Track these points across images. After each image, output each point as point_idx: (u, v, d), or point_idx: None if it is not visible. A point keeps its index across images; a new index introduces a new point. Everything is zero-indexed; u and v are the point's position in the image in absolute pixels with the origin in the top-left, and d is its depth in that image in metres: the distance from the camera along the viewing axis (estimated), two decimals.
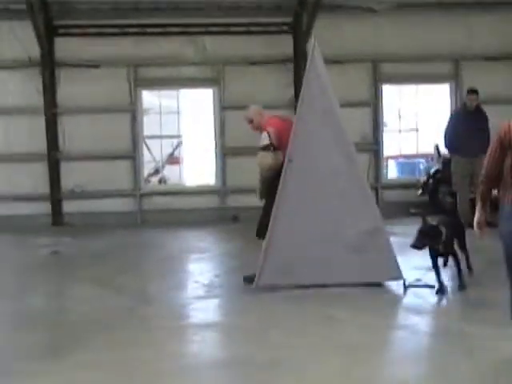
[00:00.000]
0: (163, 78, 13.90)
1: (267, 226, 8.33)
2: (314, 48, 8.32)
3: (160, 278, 9.11)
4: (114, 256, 10.71)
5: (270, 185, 8.33)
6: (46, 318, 7.26)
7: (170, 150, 15.73)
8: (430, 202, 13.66)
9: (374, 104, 14.22)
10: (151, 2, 13.45)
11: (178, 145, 15.72)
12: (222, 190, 14.06)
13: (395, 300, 7.67)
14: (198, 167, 15.95)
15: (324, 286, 7.96)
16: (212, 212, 13.92)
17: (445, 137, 12.54)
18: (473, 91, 12.26)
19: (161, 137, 14.43)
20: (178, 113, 14.32)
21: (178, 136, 14.64)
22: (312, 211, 8.07)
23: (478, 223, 5.66)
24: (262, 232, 8.44)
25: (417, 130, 15.05)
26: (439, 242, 7.78)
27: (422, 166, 15.37)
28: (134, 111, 13.87)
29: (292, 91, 13.99)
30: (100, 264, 10.03)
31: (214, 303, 7.86)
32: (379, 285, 7.99)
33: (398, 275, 8.01)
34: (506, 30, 14.11)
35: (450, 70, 14.30)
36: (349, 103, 13.56)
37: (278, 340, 6.34)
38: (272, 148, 8.28)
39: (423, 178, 13.81)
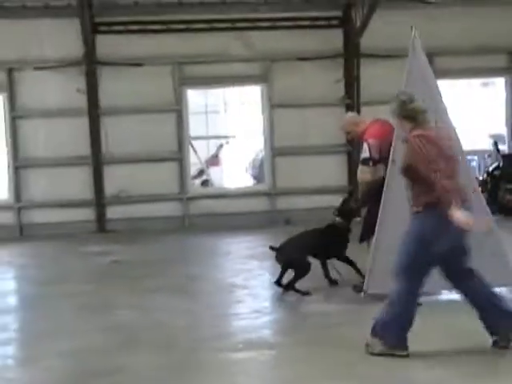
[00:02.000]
0: (209, 76, 13.31)
1: (369, 230, 7.85)
2: (415, 40, 7.76)
3: (238, 286, 8.56)
4: (174, 263, 10.17)
5: (371, 193, 7.84)
6: (153, 335, 6.66)
7: (214, 151, 15.12)
8: (489, 201, 13.16)
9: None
10: None
11: (222, 146, 15.11)
12: (273, 191, 13.48)
13: None
14: (240, 168, 15.34)
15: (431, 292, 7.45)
16: (262, 215, 13.32)
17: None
18: None
19: (207, 137, 13.80)
20: (225, 112, 13.72)
21: (225, 136, 13.99)
22: None
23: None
24: (364, 237, 7.98)
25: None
26: None
27: (474, 163, 14.86)
28: (179, 111, 13.27)
29: (343, 88, 13.48)
30: (164, 271, 9.50)
31: (337, 313, 7.28)
32: None
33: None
34: None
35: (506, 64, 13.78)
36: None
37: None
38: (371, 162, 7.74)
39: (481, 176, 13.31)
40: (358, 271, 8.04)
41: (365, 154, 7.79)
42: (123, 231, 12.87)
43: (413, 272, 5.86)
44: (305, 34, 13.32)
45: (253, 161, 16.29)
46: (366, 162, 7.77)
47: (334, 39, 13.41)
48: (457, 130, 7.82)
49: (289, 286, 8.03)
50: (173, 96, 13.21)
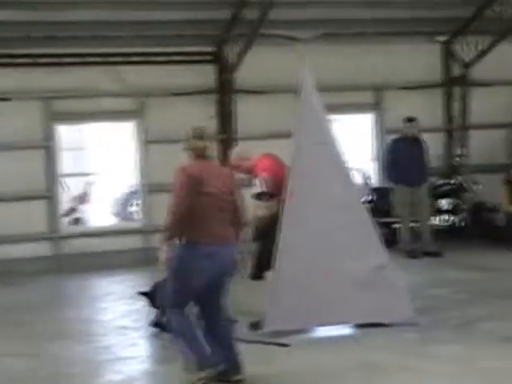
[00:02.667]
0: (80, 112, 12.92)
1: (261, 267, 7.80)
2: (306, 75, 7.83)
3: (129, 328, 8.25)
4: (54, 306, 9.75)
5: (264, 228, 7.78)
6: None
7: (84, 188, 14.64)
8: None
9: None
10: (67, 30, 12.46)
11: (91, 183, 14.66)
12: (148, 228, 13.17)
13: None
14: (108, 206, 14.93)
15: (333, 326, 7.50)
16: (138, 253, 12.96)
17: (385, 167, 12.38)
18: (410, 119, 12.17)
19: (79, 174, 13.36)
20: (96, 148, 13.36)
21: (96, 173, 13.57)
22: (317, 247, 7.57)
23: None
24: (256, 275, 7.90)
25: None
26: None
27: None
28: (48, 147, 12.79)
29: (215, 123, 13.44)
30: (45, 315, 9.08)
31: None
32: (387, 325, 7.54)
33: (410, 315, 7.59)
34: (426, 59, 14.20)
35: (373, 100, 14.18)
36: (274, 134, 13.24)
37: None
38: (267, 196, 7.70)
39: None
40: None
41: (259, 188, 7.74)
42: None
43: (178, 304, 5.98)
44: (179, 69, 13.20)
45: (117, 198, 15.99)
46: (260, 196, 7.72)
47: (208, 75, 13.36)
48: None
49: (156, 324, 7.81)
50: (41, 132, 12.73)
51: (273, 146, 12.23)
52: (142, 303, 9.34)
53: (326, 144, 7.72)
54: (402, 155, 11.84)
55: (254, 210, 7.75)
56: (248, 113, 13.19)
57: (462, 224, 13.35)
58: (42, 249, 12.69)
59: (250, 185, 7.91)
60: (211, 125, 13.31)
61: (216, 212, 5.94)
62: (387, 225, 13.06)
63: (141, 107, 13.13)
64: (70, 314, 9.18)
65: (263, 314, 7.56)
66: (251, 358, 6.64)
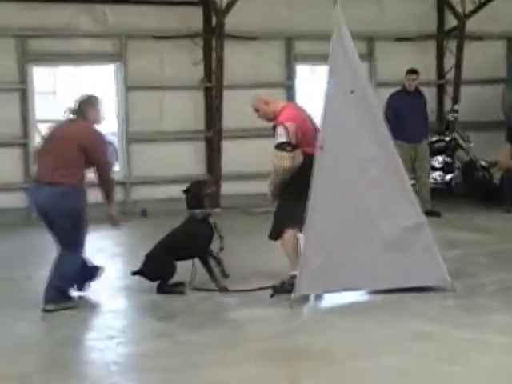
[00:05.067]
0: (57, 53, 11.95)
1: (282, 227, 7.17)
2: (339, 18, 7.13)
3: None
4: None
5: (285, 184, 7.13)
6: None
7: None
8: None
9: (288, 85, 13.15)
10: None
11: None
12: (128, 180, 12.39)
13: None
14: None
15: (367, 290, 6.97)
16: (118, 206, 12.09)
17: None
18: (413, 71, 11.58)
19: (53, 121, 12.34)
20: (71, 93, 12.43)
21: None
22: (348, 205, 6.94)
23: None
24: (276, 234, 7.28)
25: None
26: None
27: None
28: (23, 90, 11.83)
29: (202, 70, 12.65)
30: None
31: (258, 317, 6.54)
32: (424, 289, 7.03)
33: (444, 277, 7.08)
34: (418, 9, 13.60)
35: (365, 50, 13.51)
36: (262, 83, 12.55)
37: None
38: (290, 147, 7.03)
39: None
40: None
41: (281, 138, 7.07)
42: None
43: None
44: (163, 10, 12.34)
45: None
46: (282, 146, 7.05)
47: (194, 17, 12.52)
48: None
49: (160, 289, 7.32)
50: (16, 73, 11.76)
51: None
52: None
53: (359, 92, 7.06)
54: (402, 109, 11.25)
55: (275, 160, 7.10)
56: (234, 60, 12.41)
57: (453, 182, 12.94)
58: (16, 200, 11.83)
59: (272, 134, 7.24)
60: (196, 71, 12.63)
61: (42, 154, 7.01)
62: None
63: (121, 50, 12.26)
64: None
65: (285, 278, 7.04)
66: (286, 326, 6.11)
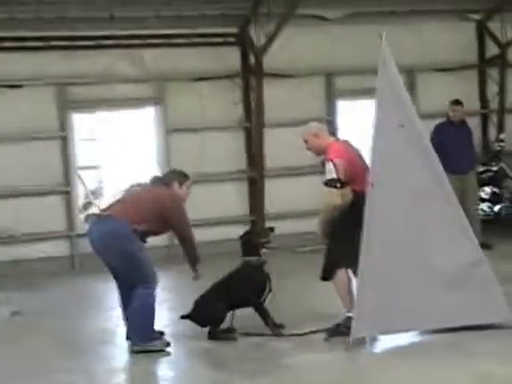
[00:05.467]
0: (96, 99, 11.93)
1: (333, 267, 6.96)
2: (386, 51, 6.97)
3: None
4: (88, 310, 8.85)
5: (335, 223, 6.93)
6: None
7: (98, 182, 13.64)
8: None
9: (329, 121, 12.98)
10: (81, 10, 11.48)
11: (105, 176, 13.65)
12: None
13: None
14: None
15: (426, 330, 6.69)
16: (163, 250, 12.04)
17: None
18: (457, 102, 11.36)
19: (96, 167, 12.37)
20: (114, 138, 12.40)
21: (112, 165, 12.55)
22: (402, 243, 6.70)
23: None
24: (328, 274, 7.06)
25: None
26: None
27: None
28: (64, 138, 11.83)
29: (241, 109, 12.56)
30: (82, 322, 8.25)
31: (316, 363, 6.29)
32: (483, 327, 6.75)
33: (506, 314, 6.80)
34: (459, 38, 13.41)
35: (405, 82, 13.32)
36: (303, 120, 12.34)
37: None
38: (340, 184, 6.85)
39: None
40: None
41: (330, 174, 6.89)
42: (8, 275, 11.15)
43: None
44: (200, 52, 12.29)
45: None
46: (332, 183, 6.87)
47: (231, 58, 12.46)
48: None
49: (211, 335, 7.14)
50: (57, 121, 11.76)
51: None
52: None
53: (408, 126, 6.86)
54: (448, 141, 11.00)
55: (324, 197, 6.94)
56: (274, 98, 12.29)
57: (503, 213, 12.61)
58: (60, 247, 11.76)
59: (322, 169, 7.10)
60: (235, 111, 12.54)
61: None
62: None
63: (160, 93, 12.23)
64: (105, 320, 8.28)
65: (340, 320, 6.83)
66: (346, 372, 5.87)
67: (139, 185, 7.46)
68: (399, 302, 6.58)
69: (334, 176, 6.85)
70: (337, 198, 6.85)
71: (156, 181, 7.32)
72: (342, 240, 6.94)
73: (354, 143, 7.33)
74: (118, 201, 7.12)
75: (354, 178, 6.91)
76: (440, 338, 6.59)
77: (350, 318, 6.70)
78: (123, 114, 12.37)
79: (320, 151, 7.16)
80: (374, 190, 6.64)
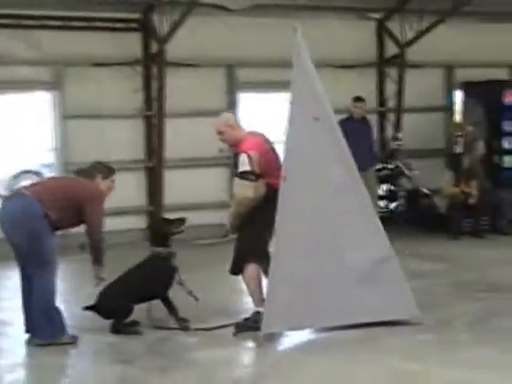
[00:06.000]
0: None
1: (243, 261, 6.83)
2: (300, 44, 6.90)
3: None
4: None
5: (247, 217, 6.81)
6: None
7: None
8: None
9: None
10: None
11: None
12: None
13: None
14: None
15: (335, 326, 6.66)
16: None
17: None
18: (359, 99, 11.47)
19: None
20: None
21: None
22: (314, 238, 6.67)
23: None
24: (238, 269, 6.94)
25: None
26: None
27: None
28: None
29: (141, 97, 12.27)
30: None
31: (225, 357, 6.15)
32: (393, 323, 6.78)
33: (413, 311, 6.86)
34: (359, 36, 13.52)
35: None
36: (204, 112, 12.20)
37: None
38: (253, 177, 6.73)
39: None
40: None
41: (244, 166, 6.77)
42: None
43: None
44: (101, 36, 11.92)
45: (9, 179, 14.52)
46: (246, 175, 6.75)
47: (133, 44, 12.14)
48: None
49: (114, 329, 6.91)
50: None
51: (201, 125, 11.43)
52: None
53: (323, 119, 6.82)
54: (349, 137, 11.03)
55: (237, 189, 6.81)
56: (176, 88, 12.04)
57: (398, 211, 12.84)
58: None
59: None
60: (136, 99, 12.24)
61: None
62: None
63: (58, 78, 11.78)
64: None
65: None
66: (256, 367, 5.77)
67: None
68: (310, 297, 6.53)
69: (248, 168, 6.74)
70: (250, 190, 6.74)
71: (80, 172, 7.10)
72: (253, 234, 6.83)
73: (268, 136, 7.23)
74: (38, 183, 7.01)
75: (268, 171, 6.81)
76: (348, 334, 6.58)
77: (258, 313, 6.62)
78: (19, 98, 11.87)
79: (234, 143, 7.03)
80: (286, 183, 6.57)
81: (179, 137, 12.15)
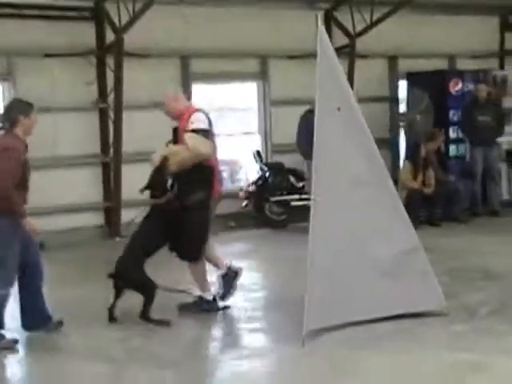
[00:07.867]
0: None
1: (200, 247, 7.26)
2: (323, 35, 6.77)
3: None
4: None
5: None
6: None
7: None
8: (256, 213, 12.49)
9: None
10: None
11: None
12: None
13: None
14: None
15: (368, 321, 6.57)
16: None
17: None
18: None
19: None
20: None
21: None
22: (343, 232, 6.58)
23: None
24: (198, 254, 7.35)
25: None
26: None
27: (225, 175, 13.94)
28: None
29: (95, 89, 11.79)
30: None
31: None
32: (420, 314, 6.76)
33: (441, 303, 6.86)
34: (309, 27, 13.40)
35: (258, 68, 13.21)
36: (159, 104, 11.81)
37: None
38: (206, 133, 7.03)
39: (248, 188, 12.49)
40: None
41: (202, 124, 7.01)
42: None
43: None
44: (52, 25, 11.35)
45: None
46: (205, 133, 6.99)
47: (86, 34, 11.64)
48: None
49: (142, 316, 6.82)
50: None
51: (156, 118, 11.11)
52: None
53: (347, 109, 6.70)
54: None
55: (197, 144, 6.95)
56: (129, 79, 11.62)
57: None
58: None
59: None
60: (89, 92, 11.76)
61: None
62: (282, 203, 12.31)
63: (8, 68, 11.19)
64: None
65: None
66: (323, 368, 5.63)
67: None
68: (346, 293, 6.50)
69: (206, 127, 6.99)
70: (208, 149, 6.95)
71: (3, 120, 6.70)
72: (205, 220, 7.22)
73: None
74: None
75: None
76: (383, 327, 6.53)
77: (202, 299, 7.14)
78: None
79: (177, 115, 7.16)
80: (317, 175, 6.45)
81: (134, 130, 11.76)
